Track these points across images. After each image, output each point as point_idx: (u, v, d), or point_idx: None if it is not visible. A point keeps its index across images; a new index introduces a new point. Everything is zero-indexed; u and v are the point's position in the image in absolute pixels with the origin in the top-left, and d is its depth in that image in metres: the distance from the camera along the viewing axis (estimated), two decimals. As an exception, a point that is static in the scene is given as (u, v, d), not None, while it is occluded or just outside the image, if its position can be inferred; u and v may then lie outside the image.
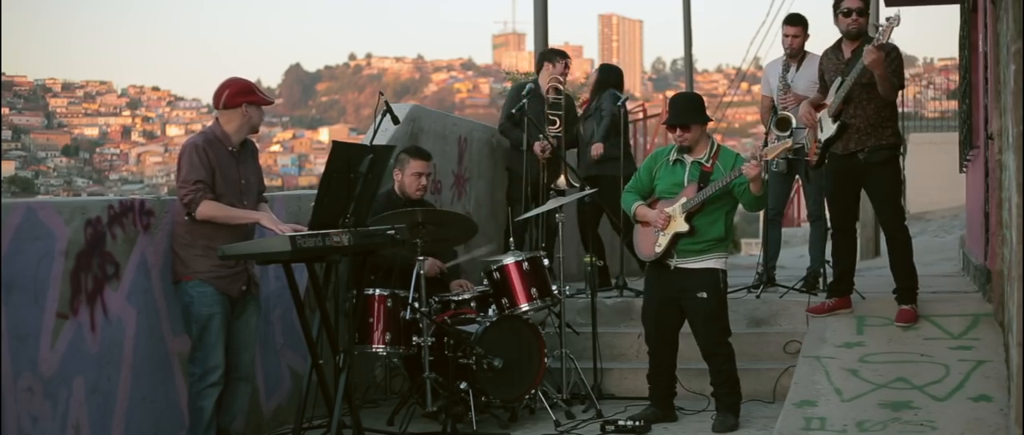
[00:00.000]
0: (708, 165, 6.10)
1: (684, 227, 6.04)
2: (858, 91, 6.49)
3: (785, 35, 7.90)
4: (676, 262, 6.11)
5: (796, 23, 7.89)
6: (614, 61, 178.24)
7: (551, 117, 8.13)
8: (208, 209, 5.28)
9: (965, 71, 9.61)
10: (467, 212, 8.40)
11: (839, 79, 6.55)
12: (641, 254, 6.34)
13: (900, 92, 6.64)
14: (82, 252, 5.02)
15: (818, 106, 6.77)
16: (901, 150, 6.70)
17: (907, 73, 6.95)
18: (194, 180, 5.27)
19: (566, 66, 8.42)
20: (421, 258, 6.20)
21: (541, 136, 8.03)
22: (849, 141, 6.55)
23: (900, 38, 6.70)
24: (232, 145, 5.46)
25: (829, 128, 6.58)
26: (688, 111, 6.16)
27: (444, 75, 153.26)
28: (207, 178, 5.30)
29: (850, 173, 6.65)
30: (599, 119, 8.37)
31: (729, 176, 5.96)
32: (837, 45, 6.74)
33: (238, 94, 5.45)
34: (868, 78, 6.42)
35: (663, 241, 6.10)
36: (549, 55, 8.56)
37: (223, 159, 5.40)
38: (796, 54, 7.85)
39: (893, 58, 6.49)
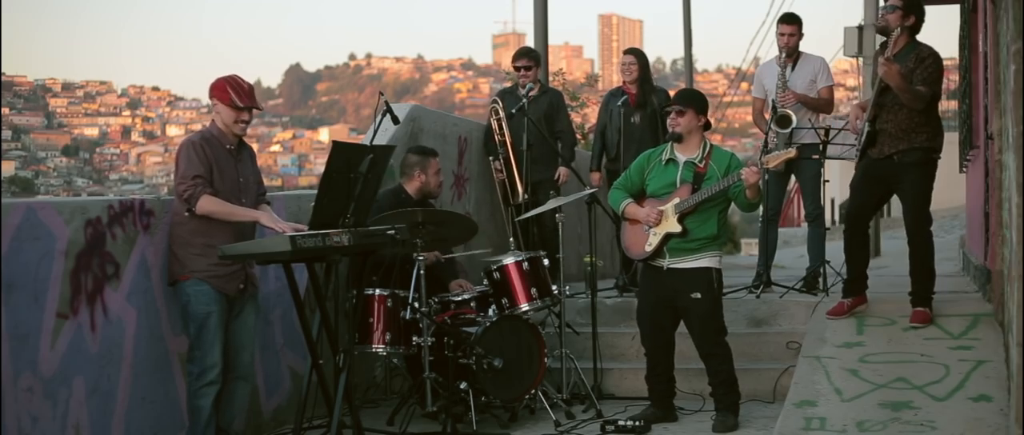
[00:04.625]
0: (702, 166, 6.09)
1: (676, 228, 6.02)
2: (890, 96, 6.47)
3: (780, 34, 7.91)
4: (668, 262, 6.09)
5: (791, 22, 7.90)
6: (614, 61, 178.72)
7: (498, 139, 8.10)
8: (208, 204, 5.28)
9: (965, 71, 9.61)
10: (467, 212, 8.39)
11: (878, 83, 6.53)
12: (630, 253, 6.33)
13: (935, 98, 6.56)
14: (82, 252, 5.02)
15: (866, 108, 6.76)
16: (938, 154, 6.59)
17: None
18: (193, 175, 5.27)
19: (522, 69, 8.36)
20: (421, 258, 6.20)
21: (492, 158, 8.19)
22: (883, 146, 6.55)
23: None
24: (230, 142, 5.47)
25: (865, 133, 6.61)
26: (685, 97, 6.23)
27: (444, 75, 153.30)
28: (206, 173, 5.31)
29: (881, 174, 6.62)
30: (650, 116, 8.11)
31: (726, 181, 5.94)
32: (885, 44, 6.64)
33: (211, 88, 5.50)
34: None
35: (654, 240, 6.08)
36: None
37: (221, 157, 5.40)
38: (792, 53, 7.86)
39: (929, 65, 6.44)
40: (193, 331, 5.37)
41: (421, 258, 6.19)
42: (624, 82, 8.28)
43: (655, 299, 6.19)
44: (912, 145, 6.49)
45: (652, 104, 8.12)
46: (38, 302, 4.78)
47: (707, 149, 6.14)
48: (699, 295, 6.05)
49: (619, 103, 8.11)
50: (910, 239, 6.66)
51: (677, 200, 6.04)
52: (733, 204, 6.10)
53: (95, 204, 5.19)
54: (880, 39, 6.81)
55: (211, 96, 5.51)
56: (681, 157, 6.15)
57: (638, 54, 8.32)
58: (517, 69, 8.43)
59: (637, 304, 6.42)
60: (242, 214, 5.42)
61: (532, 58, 8.48)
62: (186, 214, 5.32)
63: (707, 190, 5.97)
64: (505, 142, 8.14)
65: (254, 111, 5.53)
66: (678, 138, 6.13)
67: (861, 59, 13.97)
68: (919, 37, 6.61)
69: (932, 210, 6.70)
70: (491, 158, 8.36)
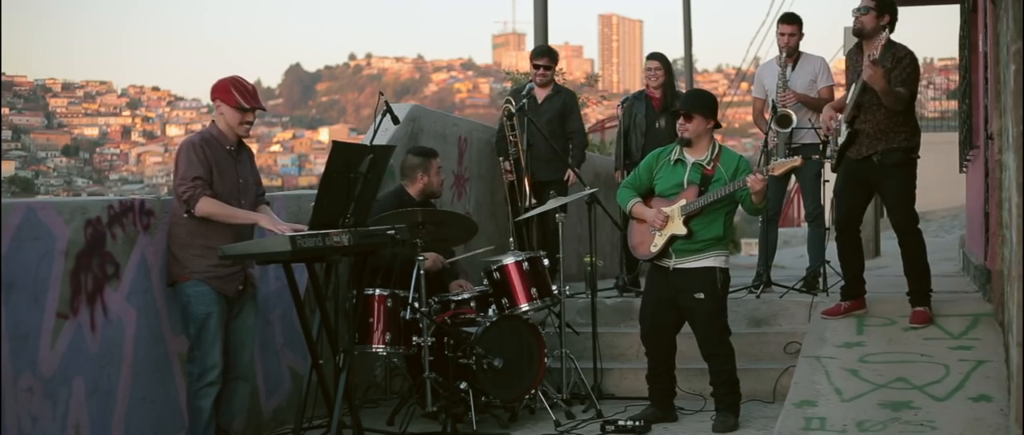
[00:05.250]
0: (709, 167, 6.09)
1: (682, 230, 6.03)
2: (868, 96, 6.48)
3: (780, 34, 7.92)
4: (674, 263, 6.10)
5: (791, 21, 7.91)
6: (614, 61, 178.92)
7: (510, 139, 8.06)
8: (207, 206, 5.28)
9: (965, 71, 9.62)
10: (467, 212, 8.40)
11: (856, 84, 6.54)
12: (636, 252, 6.34)
13: (913, 98, 6.58)
14: (82, 252, 5.01)
15: (840, 109, 6.77)
16: (916, 154, 6.62)
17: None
18: (193, 177, 5.27)
19: (542, 68, 8.35)
20: (421, 258, 6.20)
21: (502, 158, 8.16)
22: (861, 146, 6.56)
23: (900, 38, 6.67)
24: (230, 143, 5.47)
25: (844, 133, 6.61)
26: (695, 102, 6.20)
27: (444, 75, 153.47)
28: (205, 175, 5.30)
29: (862, 176, 6.64)
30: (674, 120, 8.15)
31: (731, 186, 5.94)
32: (858, 45, 6.70)
33: (213, 90, 5.49)
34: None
35: (659, 241, 6.09)
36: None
37: (220, 158, 5.40)
38: (792, 53, 7.87)
39: (906, 65, 6.46)
40: (193, 332, 5.37)
41: (422, 258, 6.19)
42: (648, 86, 8.34)
43: (658, 299, 6.20)
44: (891, 145, 6.51)
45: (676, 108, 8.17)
46: (38, 302, 4.78)
47: (716, 151, 6.14)
48: (702, 295, 6.05)
49: (641, 107, 8.22)
50: (901, 239, 6.67)
51: (683, 202, 6.05)
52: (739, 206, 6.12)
53: (95, 204, 5.19)
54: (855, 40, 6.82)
55: (214, 97, 5.50)
56: (689, 158, 6.15)
57: (663, 59, 8.42)
58: (536, 67, 8.42)
59: (640, 303, 6.42)
60: (242, 217, 5.41)
61: (553, 58, 8.52)
62: (185, 216, 5.32)
63: (713, 194, 5.98)
64: (516, 142, 8.09)
65: (257, 111, 5.54)
66: (687, 143, 6.14)
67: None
68: (916, 36, 6.64)
69: (932, 210, 6.74)
70: (501, 158, 8.31)
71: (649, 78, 8.33)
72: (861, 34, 6.58)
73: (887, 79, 6.39)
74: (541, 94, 8.35)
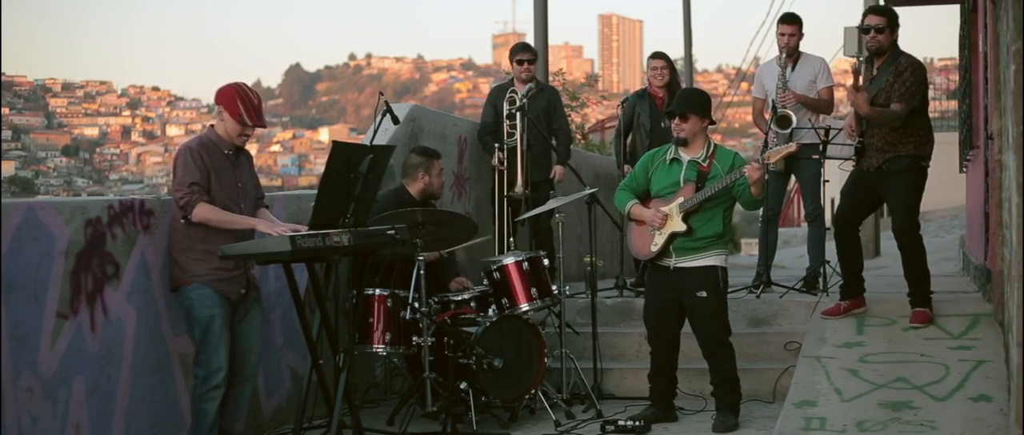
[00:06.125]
0: (705, 165, 6.09)
1: (681, 227, 6.03)
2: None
3: (780, 34, 7.92)
4: (675, 262, 6.10)
5: (791, 22, 7.91)
6: (614, 61, 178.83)
7: (508, 130, 8.04)
8: (203, 212, 5.27)
9: (965, 71, 9.62)
10: (467, 212, 8.40)
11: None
12: (636, 253, 6.35)
13: (920, 108, 6.60)
14: (82, 252, 5.01)
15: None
16: (925, 161, 6.63)
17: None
18: (189, 182, 5.26)
19: (526, 62, 8.39)
20: (421, 258, 6.20)
21: (496, 146, 8.14)
22: (871, 159, 6.60)
23: (901, 38, 6.69)
24: (228, 148, 5.46)
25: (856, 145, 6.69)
26: (689, 102, 6.18)
27: (444, 75, 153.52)
28: (202, 180, 5.29)
29: (870, 182, 6.68)
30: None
31: (729, 178, 5.95)
32: (869, 58, 6.75)
33: (219, 94, 5.46)
34: (884, 98, 6.46)
35: (659, 240, 6.09)
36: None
37: (219, 162, 5.39)
38: (792, 53, 7.87)
39: (905, 78, 6.48)
40: (198, 335, 5.37)
41: (421, 258, 6.19)
42: (652, 85, 8.37)
43: (662, 299, 6.19)
44: (898, 153, 6.55)
45: None
46: (38, 302, 4.78)
47: (711, 149, 6.15)
48: (705, 293, 6.05)
49: (645, 106, 8.28)
50: (900, 244, 6.68)
51: (681, 200, 6.05)
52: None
53: (95, 204, 5.19)
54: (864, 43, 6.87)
55: (218, 102, 5.47)
56: (685, 156, 6.15)
57: (667, 58, 8.50)
58: (520, 62, 8.43)
59: (644, 304, 6.41)
60: (240, 222, 5.39)
61: (532, 52, 8.59)
62: (182, 221, 5.32)
63: (711, 188, 5.98)
64: (514, 135, 8.08)
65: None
66: (683, 142, 6.14)
67: (861, 59, 14.00)
68: (916, 36, 6.71)
69: (932, 210, 6.76)
70: (497, 145, 8.25)
71: (654, 77, 8.36)
72: (880, 52, 6.62)
73: (872, 104, 6.46)
74: (523, 91, 8.37)
